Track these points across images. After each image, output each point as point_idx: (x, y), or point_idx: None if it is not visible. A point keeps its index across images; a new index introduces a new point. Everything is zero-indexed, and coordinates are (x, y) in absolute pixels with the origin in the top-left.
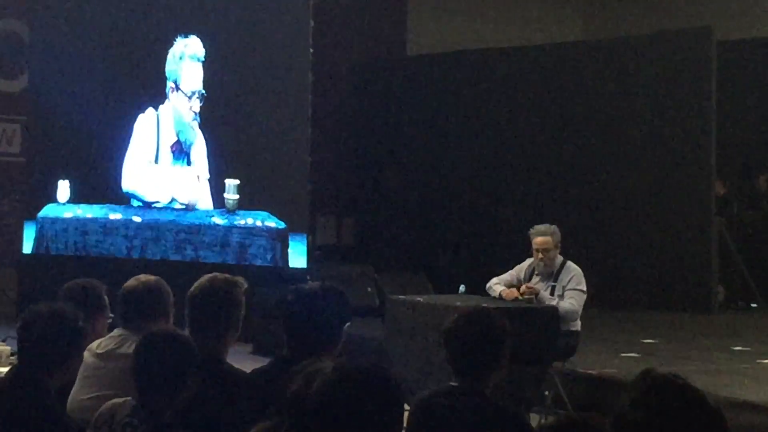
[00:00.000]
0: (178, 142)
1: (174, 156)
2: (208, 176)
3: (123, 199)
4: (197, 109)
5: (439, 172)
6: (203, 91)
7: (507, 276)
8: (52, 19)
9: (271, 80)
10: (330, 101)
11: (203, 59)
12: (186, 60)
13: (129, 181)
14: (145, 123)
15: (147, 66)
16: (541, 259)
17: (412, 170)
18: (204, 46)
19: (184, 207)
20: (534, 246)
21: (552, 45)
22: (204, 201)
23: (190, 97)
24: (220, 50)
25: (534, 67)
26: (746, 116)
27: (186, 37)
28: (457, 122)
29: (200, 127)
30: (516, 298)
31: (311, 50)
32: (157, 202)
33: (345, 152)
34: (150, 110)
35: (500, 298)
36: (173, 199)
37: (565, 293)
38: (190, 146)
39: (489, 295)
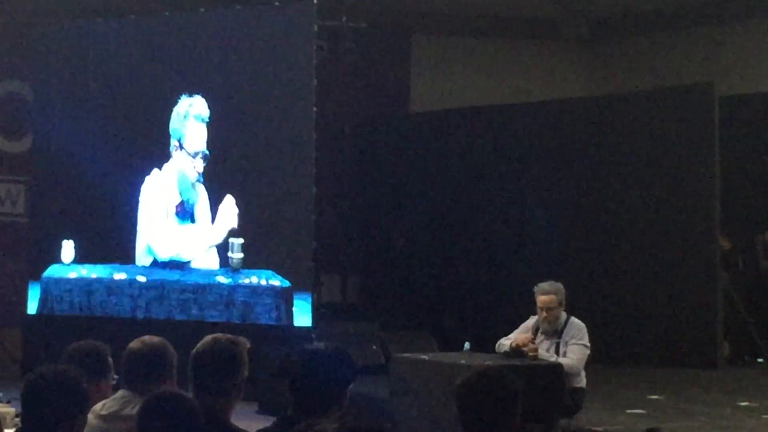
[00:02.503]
0: (182, 203)
1: (179, 216)
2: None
3: (127, 259)
4: (200, 170)
5: (444, 229)
6: (207, 152)
7: (514, 335)
8: (55, 80)
9: (274, 138)
10: (334, 158)
11: (208, 120)
12: (191, 119)
13: (167, 248)
14: (152, 185)
15: (151, 125)
16: (545, 318)
17: (417, 227)
18: (207, 105)
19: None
20: (538, 304)
21: (554, 101)
22: (206, 257)
23: (194, 157)
24: (224, 108)
25: (536, 123)
26: (749, 171)
27: (191, 96)
28: (461, 178)
29: (204, 185)
30: (524, 348)
31: (315, 108)
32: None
33: (349, 210)
34: (155, 171)
35: (513, 350)
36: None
37: (567, 348)
38: (193, 206)
39: (495, 352)
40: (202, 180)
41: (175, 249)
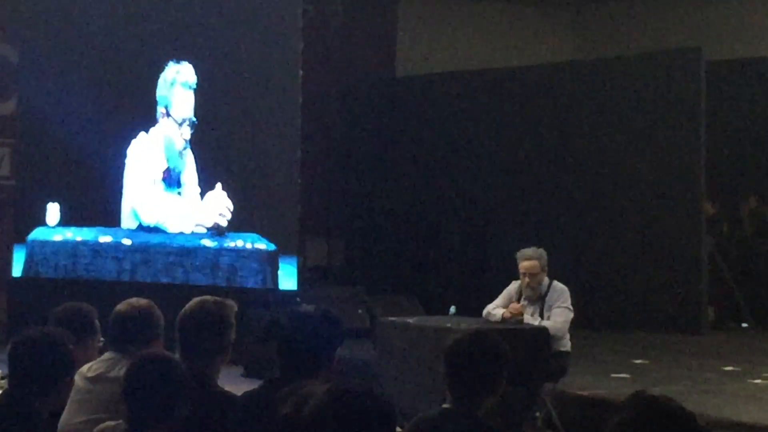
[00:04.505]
0: (168, 170)
1: (166, 183)
2: (198, 190)
3: (113, 222)
4: (188, 137)
5: (429, 194)
6: (194, 119)
7: (500, 300)
8: (41, 42)
9: (260, 103)
10: (320, 123)
11: (195, 86)
12: (178, 86)
13: (152, 214)
14: (139, 148)
15: (136, 89)
16: (528, 284)
17: (402, 191)
18: (193, 69)
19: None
20: (521, 270)
21: (542, 66)
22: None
23: (180, 125)
24: (210, 73)
25: (524, 88)
26: (736, 136)
27: (178, 62)
28: (447, 143)
29: (191, 150)
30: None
31: (301, 72)
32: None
33: (335, 174)
34: (142, 134)
35: (503, 320)
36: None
37: (551, 311)
38: (179, 174)
39: (481, 317)
40: (188, 146)
41: (161, 216)
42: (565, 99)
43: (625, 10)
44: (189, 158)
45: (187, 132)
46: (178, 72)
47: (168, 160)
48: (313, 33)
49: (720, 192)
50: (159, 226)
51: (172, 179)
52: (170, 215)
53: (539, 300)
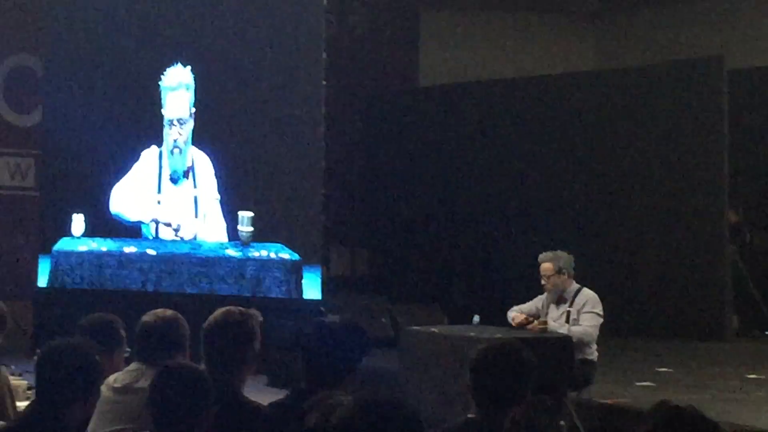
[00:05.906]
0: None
1: (172, 181)
2: (217, 197)
3: (137, 233)
4: (176, 137)
5: (453, 203)
6: (181, 118)
7: (526, 306)
8: (65, 54)
9: (284, 112)
10: (343, 133)
11: (180, 86)
12: (167, 90)
13: (115, 204)
14: (144, 159)
15: (159, 100)
16: (545, 285)
17: (426, 201)
18: (217, 80)
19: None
20: (540, 272)
21: (564, 75)
22: (212, 223)
23: (170, 126)
24: (234, 83)
25: (546, 97)
26: (758, 144)
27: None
28: (470, 153)
29: (212, 159)
30: (526, 324)
31: (324, 82)
32: (140, 222)
33: (358, 184)
34: (153, 147)
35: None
36: (155, 220)
37: (579, 316)
38: (177, 173)
39: (505, 325)
40: (181, 147)
41: (122, 207)
42: (588, 108)
43: (646, 19)
44: (198, 157)
45: (175, 132)
46: (166, 76)
47: (168, 161)
48: (336, 43)
49: (743, 200)
50: (119, 216)
51: (173, 178)
52: (131, 205)
53: (565, 303)
